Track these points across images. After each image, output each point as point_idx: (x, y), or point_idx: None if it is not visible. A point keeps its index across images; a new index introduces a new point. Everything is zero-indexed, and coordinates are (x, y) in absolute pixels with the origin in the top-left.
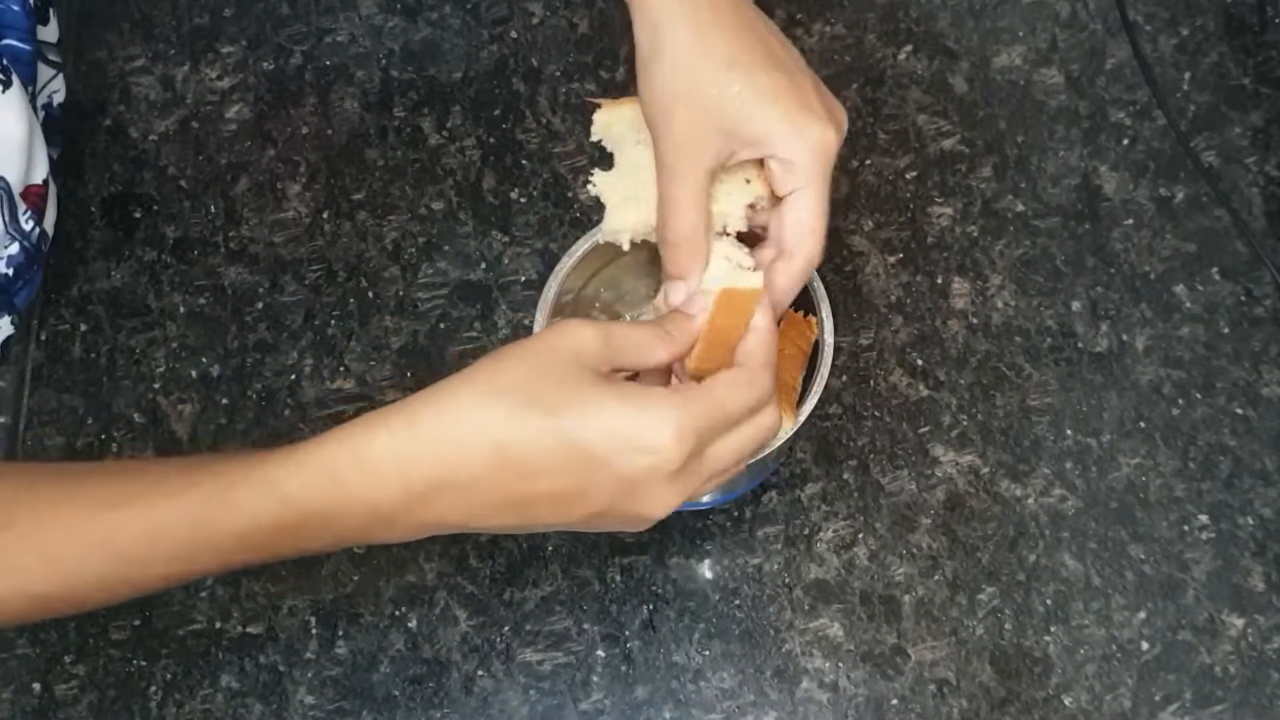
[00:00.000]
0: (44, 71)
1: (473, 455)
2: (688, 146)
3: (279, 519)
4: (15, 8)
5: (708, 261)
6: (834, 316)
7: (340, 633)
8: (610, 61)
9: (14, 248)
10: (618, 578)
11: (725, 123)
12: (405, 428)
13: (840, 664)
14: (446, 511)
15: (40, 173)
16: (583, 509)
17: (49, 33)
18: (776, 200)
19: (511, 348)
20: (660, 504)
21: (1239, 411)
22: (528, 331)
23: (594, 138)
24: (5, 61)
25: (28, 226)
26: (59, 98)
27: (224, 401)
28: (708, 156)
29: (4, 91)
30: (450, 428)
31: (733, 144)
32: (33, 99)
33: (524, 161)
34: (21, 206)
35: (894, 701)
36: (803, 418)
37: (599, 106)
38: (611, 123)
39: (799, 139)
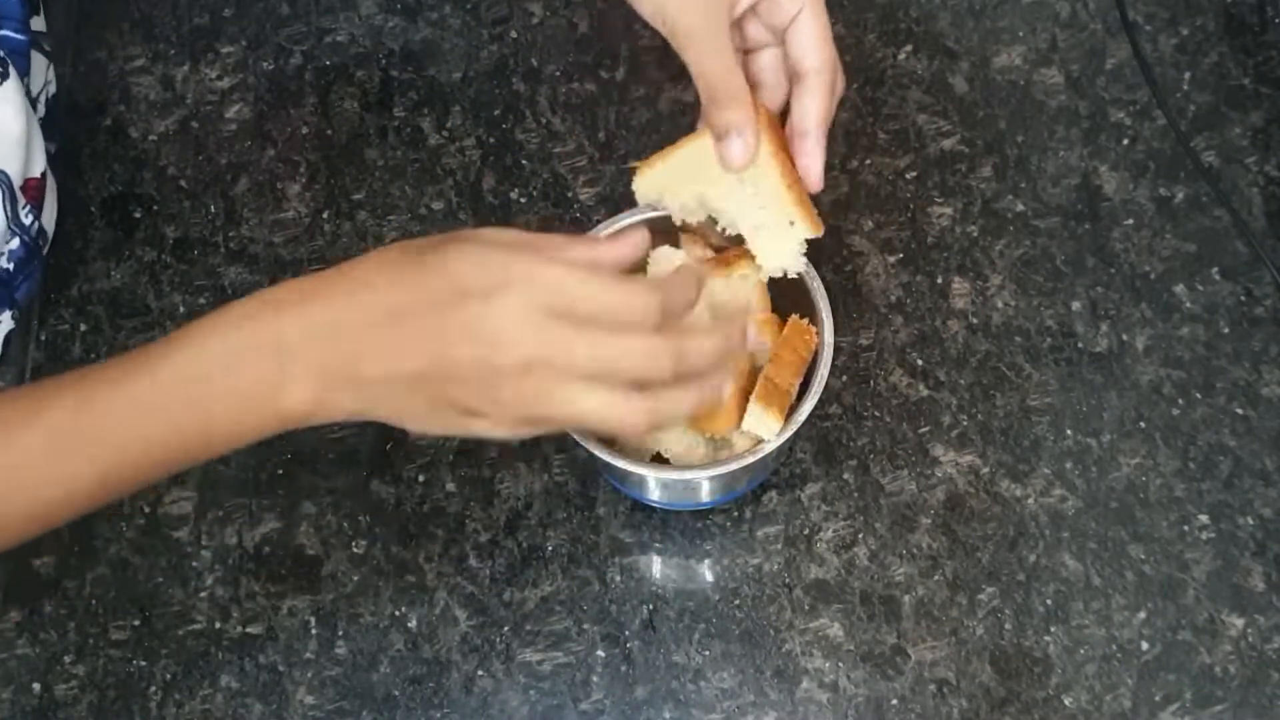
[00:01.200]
0: (38, 61)
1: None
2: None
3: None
4: None
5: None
6: (834, 316)
7: (340, 633)
8: (610, 61)
9: (14, 242)
10: (618, 578)
11: None
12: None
13: (840, 664)
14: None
15: (38, 166)
16: (435, 315)
17: (39, 22)
18: (780, 40)
19: None
20: (512, 322)
21: (1239, 411)
22: None
23: (640, 202)
24: (2, 53)
25: (28, 220)
26: (51, 89)
27: None
28: (724, 10)
29: (1, 84)
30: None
31: None
32: (28, 91)
33: (524, 161)
34: (21, 200)
35: (894, 701)
36: (802, 418)
37: (634, 171)
38: (652, 183)
39: None
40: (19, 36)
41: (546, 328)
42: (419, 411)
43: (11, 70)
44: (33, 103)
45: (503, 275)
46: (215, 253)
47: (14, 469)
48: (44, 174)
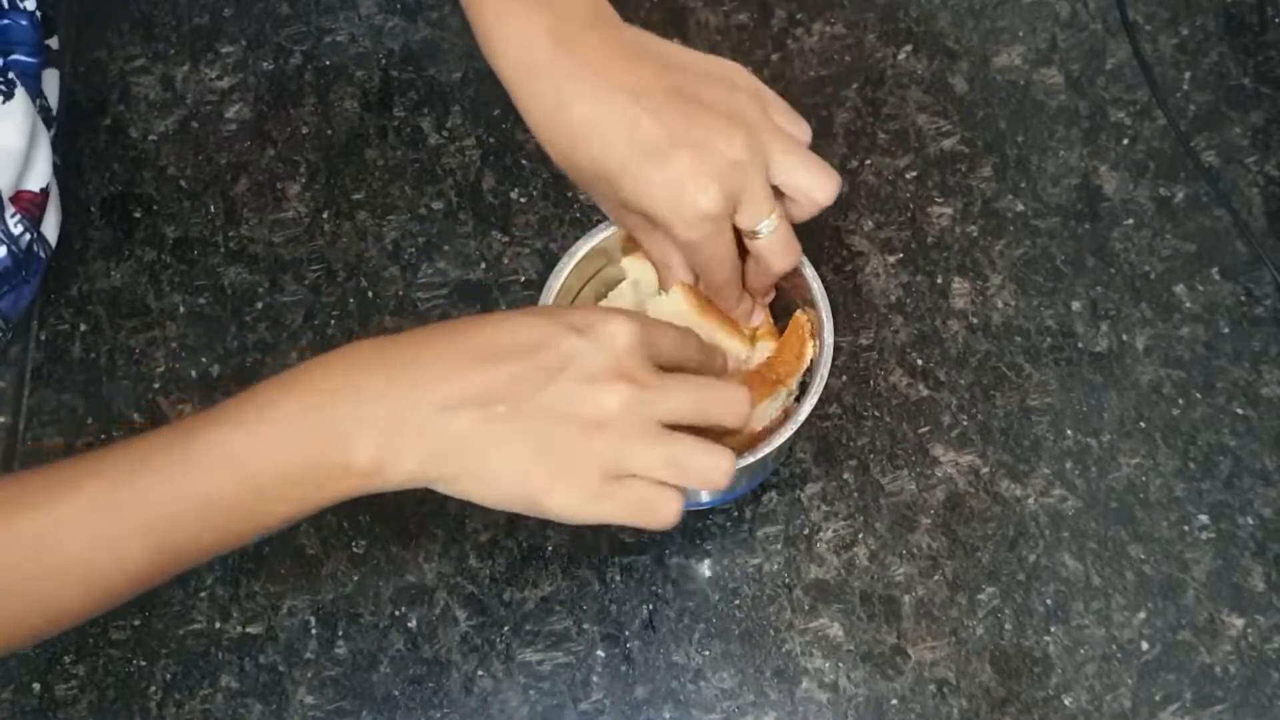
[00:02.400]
0: (50, 77)
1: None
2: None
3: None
4: (23, 22)
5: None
6: (834, 316)
7: (340, 633)
8: None
9: (0, 250)
10: (618, 578)
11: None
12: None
13: (840, 664)
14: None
15: (39, 180)
16: (538, 372)
17: (55, 41)
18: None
19: None
20: (609, 395)
21: (1239, 411)
22: None
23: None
24: (11, 75)
25: (16, 231)
26: (54, 98)
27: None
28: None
29: (4, 102)
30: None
31: None
32: (48, 107)
33: (524, 161)
34: (10, 210)
35: (894, 702)
36: (801, 418)
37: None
38: (638, 276)
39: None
40: (30, 60)
41: (634, 393)
42: (488, 458)
43: (19, 90)
44: (50, 120)
45: (608, 360)
46: (215, 252)
47: (57, 538)
48: (45, 189)
